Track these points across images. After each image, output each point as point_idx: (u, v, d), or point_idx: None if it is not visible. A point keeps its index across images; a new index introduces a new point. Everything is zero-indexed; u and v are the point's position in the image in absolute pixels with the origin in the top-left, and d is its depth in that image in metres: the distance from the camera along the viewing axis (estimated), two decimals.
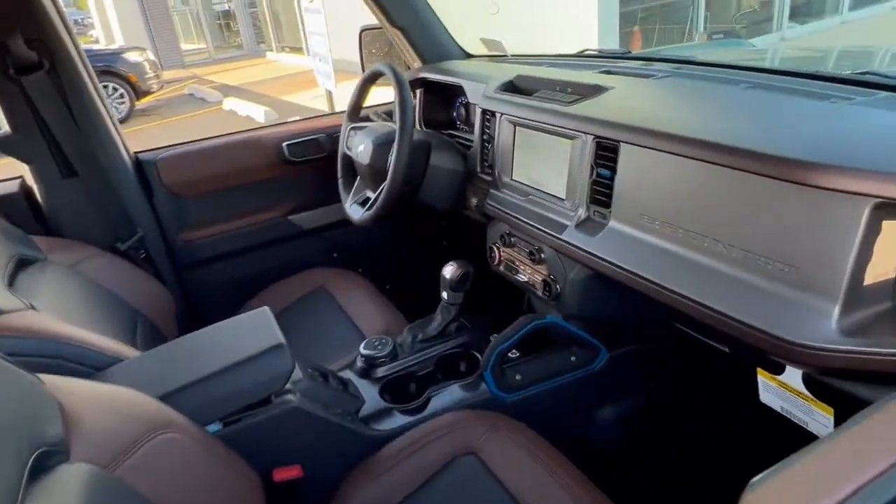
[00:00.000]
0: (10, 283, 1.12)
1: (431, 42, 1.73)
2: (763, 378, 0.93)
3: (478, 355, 1.24)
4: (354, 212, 1.48)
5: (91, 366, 1.00)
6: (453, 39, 1.76)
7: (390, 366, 1.23)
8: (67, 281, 1.28)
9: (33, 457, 0.62)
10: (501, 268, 1.36)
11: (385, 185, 1.34)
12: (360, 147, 1.45)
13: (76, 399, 0.75)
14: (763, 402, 0.95)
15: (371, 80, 1.49)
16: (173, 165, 1.64)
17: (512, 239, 1.31)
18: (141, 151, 1.62)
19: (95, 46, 11.63)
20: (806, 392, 0.86)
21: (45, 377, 0.76)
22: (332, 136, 1.75)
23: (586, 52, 1.58)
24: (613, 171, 0.99)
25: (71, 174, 1.46)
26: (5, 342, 0.94)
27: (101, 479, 0.69)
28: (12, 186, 1.47)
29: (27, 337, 0.97)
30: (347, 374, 1.22)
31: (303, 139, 1.75)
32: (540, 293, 1.23)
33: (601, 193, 1.03)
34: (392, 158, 1.32)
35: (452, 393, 1.17)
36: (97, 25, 15.02)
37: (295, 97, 8.43)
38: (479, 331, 1.32)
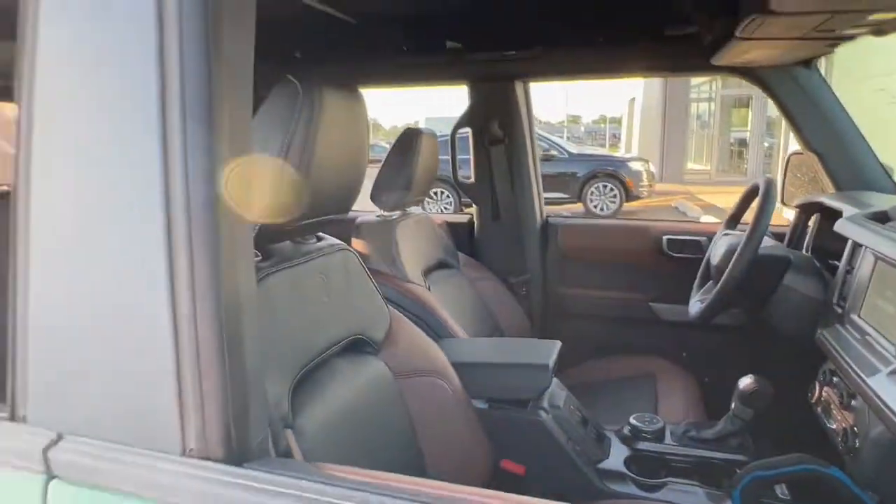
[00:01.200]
0: (426, 273, 1.67)
1: (852, 170, 1.62)
2: None
3: None
4: (692, 306, 1.54)
5: (439, 335, 1.44)
6: (884, 170, 1.60)
7: (652, 444, 1.26)
8: (463, 288, 1.79)
9: (353, 336, 1.04)
10: (819, 409, 1.20)
11: (718, 285, 1.37)
12: (719, 249, 1.51)
13: (403, 330, 1.17)
14: None
15: (752, 193, 1.53)
16: (572, 232, 2.02)
17: (834, 378, 1.15)
18: (551, 216, 2.07)
19: (614, 154, 13.67)
20: None
21: (395, 312, 1.20)
22: None
23: None
24: None
25: (497, 218, 2.01)
26: (400, 298, 1.46)
27: (389, 379, 1.07)
28: (465, 218, 2.13)
29: (412, 299, 1.47)
30: (611, 434, 1.32)
31: (684, 237, 1.88)
32: (839, 439, 1.06)
33: None
34: (731, 262, 1.35)
35: (692, 494, 1.13)
36: (623, 139, 17.63)
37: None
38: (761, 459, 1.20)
